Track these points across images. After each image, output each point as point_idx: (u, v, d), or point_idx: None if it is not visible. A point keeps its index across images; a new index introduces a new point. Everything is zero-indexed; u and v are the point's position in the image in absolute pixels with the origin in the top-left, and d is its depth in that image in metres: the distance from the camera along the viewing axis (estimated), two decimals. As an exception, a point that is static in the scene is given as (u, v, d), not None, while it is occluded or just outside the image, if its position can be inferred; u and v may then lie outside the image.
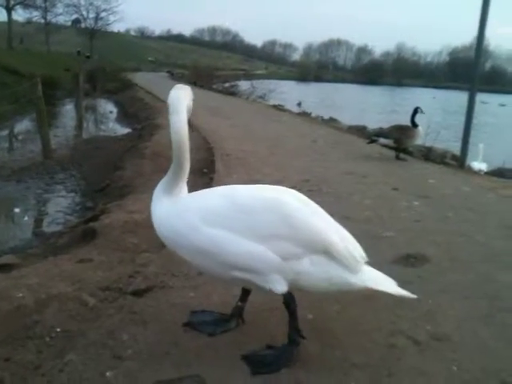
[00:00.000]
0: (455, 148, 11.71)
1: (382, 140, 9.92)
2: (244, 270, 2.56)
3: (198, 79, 36.83)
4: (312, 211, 2.72)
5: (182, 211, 2.67)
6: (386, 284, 2.70)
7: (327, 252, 2.58)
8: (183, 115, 2.71)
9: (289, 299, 2.66)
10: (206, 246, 2.55)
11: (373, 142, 10.14)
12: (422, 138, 10.41)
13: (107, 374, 2.53)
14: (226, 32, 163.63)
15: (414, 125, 9.64)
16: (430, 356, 2.85)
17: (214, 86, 35.55)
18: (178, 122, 2.69)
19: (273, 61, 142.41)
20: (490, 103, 47.21)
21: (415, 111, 9.72)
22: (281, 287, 2.57)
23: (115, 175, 8.14)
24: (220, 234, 2.52)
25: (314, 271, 2.57)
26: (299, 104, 30.73)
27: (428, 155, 11.47)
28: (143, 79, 25.96)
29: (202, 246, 2.56)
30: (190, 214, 2.61)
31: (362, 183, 7.44)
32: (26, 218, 7.38)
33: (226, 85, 36.55)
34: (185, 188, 2.87)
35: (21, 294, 3.19)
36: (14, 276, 3.63)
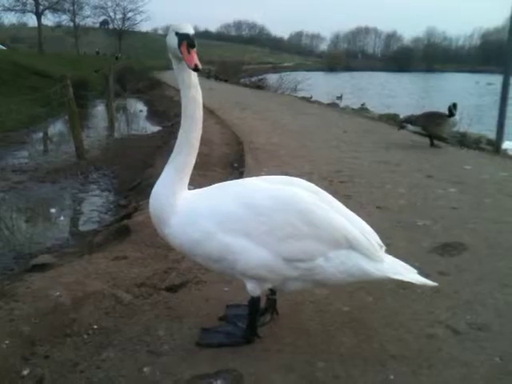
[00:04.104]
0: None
1: (410, 127, 9.77)
2: (252, 277, 2.56)
3: (225, 74, 36.90)
4: (326, 203, 2.62)
5: (196, 217, 2.55)
6: (405, 273, 2.62)
7: (348, 244, 2.53)
8: (198, 87, 2.63)
9: (257, 301, 2.69)
10: (221, 253, 2.51)
11: (402, 128, 10.07)
12: (455, 126, 9.97)
13: (144, 369, 2.54)
14: (253, 26, 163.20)
15: (450, 114, 9.31)
16: (470, 346, 2.77)
17: (242, 81, 35.56)
18: (197, 95, 2.61)
19: (300, 52, 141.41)
20: (496, 84, 45.75)
21: (453, 106, 9.31)
22: (257, 292, 2.64)
23: (147, 173, 8.22)
24: (235, 242, 2.47)
25: (330, 265, 2.52)
26: (340, 97, 30.34)
27: (463, 141, 11.22)
28: (171, 78, 26.09)
29: (217, 254, 2.52)
30: (206, 222, 2.51)
31: (395, 172, 7.31)
32: (61, 218, 7.52)
33: (254, 79, 36.50)
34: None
35: (58, 293, 3.23)
36: (51, 275, 3.69)
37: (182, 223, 2.58)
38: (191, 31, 2.45)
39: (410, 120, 9.96)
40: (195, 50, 2.40)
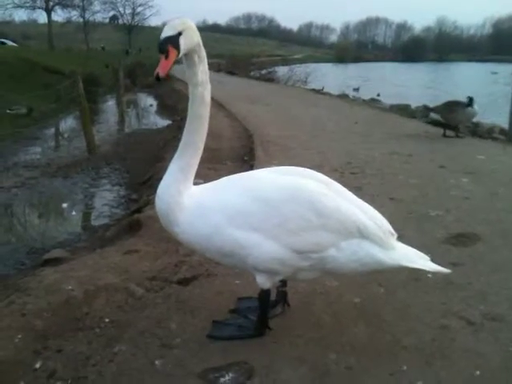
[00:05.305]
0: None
1: (432, 114, 9.91)
2: (264, 270, 2.53)
3: (235, 68, 36.86)
4: (336, 193, 2.59)
5: (204, 211, 2.50)
6: (419, 260, 2.58)
7: (359, 234, 2.49)
8: (208, 85, 2.53)
9: (267, 294, 2.65)
10: (231, 248, 2.47)
11: (426, 116, 10.93)
12: (474, 116, 9.81)
13: (156, 362, 2.54)
14: (262, 18, 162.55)
15: (468, 104, 9.20)
16: (484, 337, 2.74)
17: (251, 74, 35.48)
18: (205, 93, 2.52)
19: (310, 44, 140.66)
20: (499, 73, 44.95)
21: (470, 100, 9.26)
22: (268, 285, 2.59)
23: (157, 167, 8.22)
24: (246, 236, 2.43)
25: (342, 255, 2.48)
26: (357, 89, 30.21)
27: (475, 131, 11.13)
28: (180, 71, 25.98)
29: (227, 248, 2.48)
30: (215, 216, 2.46)
31: (407, 162, 7.25)
32: (73, 213, 7.57)
33: (263, 71, 36.42)
34: None
35: (70, 287, 3.25)
36: (64, 269, 3.71)
37: (190, 219, 2.53)
38: (167, 33, 2.28)
39: (432, 108, 10.13)
40: (170, 56, 2.26)
